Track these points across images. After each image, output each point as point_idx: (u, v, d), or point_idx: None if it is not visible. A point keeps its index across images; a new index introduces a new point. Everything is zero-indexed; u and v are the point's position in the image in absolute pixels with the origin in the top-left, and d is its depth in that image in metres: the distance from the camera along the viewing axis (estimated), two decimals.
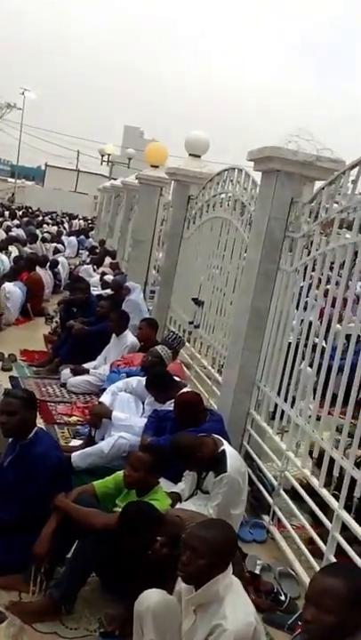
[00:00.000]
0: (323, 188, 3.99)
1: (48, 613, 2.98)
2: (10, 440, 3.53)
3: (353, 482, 3.13)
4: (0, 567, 3.16)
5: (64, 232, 21.63)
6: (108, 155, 26.07)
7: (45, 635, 2.89)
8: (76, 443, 4.93)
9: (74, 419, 5.55)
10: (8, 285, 8.94)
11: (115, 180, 21.15)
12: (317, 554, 3.41)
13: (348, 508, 3.19)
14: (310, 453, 3.77)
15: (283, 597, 3.32)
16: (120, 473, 3.46)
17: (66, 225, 26.60)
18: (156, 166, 10.24)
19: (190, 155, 8.15)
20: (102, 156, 26.02)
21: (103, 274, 11.51)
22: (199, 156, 8.15)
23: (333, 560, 3.17)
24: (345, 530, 3.18)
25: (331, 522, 3.30)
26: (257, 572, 3.46)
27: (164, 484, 3.62)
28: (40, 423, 4.48)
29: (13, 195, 40.49)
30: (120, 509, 3.16)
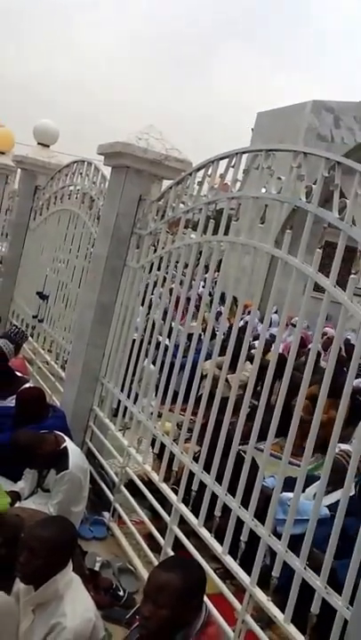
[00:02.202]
0: (170, 188, 4.08)
1: None
2: None
3: (191, 475, 3.24)
4: None
5: None
6: None
7: None
8: None
9: None
10: None
11: None
12: (156, 548, 3.49)
13: (185, 501, 3.30)
14: (152, 447, 3.84)
15: (121, 593, 3.37)
16: None
17: None
18: (2, 152, 9.88)
19: (39, 143, 7.96)
20: None
21: None
22: (48, 146, 7.98)
23: (172, 554, 3.27)
24: (183, 523, 3.29)
25: (169, 515, 3.39)
26: (96, 568, 3.48)
27: (3, 483, 3.53)
28: None
29: None
30: None
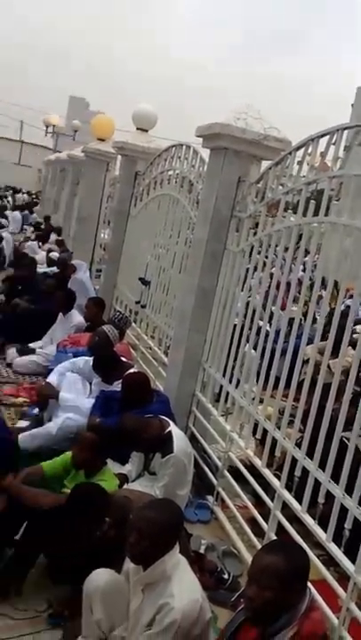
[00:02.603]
0: (270, 169, 4.01)
1: None
2: None
3: (294, 462, 3.22)
4: None
5: (8, 206, 21.09)
6: (53, 126, 25.46)
7: None
8: (22, 424, 4.87)
9: (20, 400, 5.48)
10: None
11: (60, 152, 20.69)
12: (260, 533, 3.51)
13: (288, 487, 3.29)
14: (254, 434, 3.85)
15: (226, 576, 3.41)
16: (68, 454, 3.48)
17: (10, 199, 25.91)
18: (103, 139, 10.06)
19: (138, 129, 8.05)
20: (47, 127, 25.38)
21: (49, 251, 11.31)
22: (147, 131, 8.05)
23: (274, 538, 3.27)
24: (286, 508, 3.28)
25: (272, 501, 3.39)
26: (201, 551, 3.54)
27: (112, 466, 3.65)
28: None
29: None
30: (69, 490, 3.18)
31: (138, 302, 6.89)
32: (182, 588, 2.43)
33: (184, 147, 5.85)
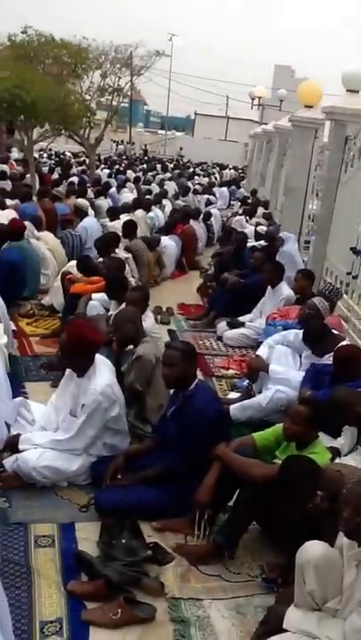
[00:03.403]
0: None
1: (212, 557, 3.13)
2: (171, 391, 3.70)
3: None
4: (166, 511, 3.37)
5: (215, 183, 21.64)
6: (259, 98, 25.40)
7: (210, 577, 3.05)
8: (233, 395, 5.03)
9: (231, 372, 5.66)
10: (163, 239, 9.19)
11: (266, 124, 20.62)
12: None
13: None
14: None
15: None
16: (280, 426, 3.51)
17: (217, 176, 26.56)
18: (310, 106, 9.80)
19: (348, 91, 7.68)
20: (252, 99, 25.42)
21: (257, 224, 11.38)
22: (357, 92, 7.65)
23: None
24: None
25: None
26: None
27: (324, 439, 3.60)
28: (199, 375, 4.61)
29: (146, 146, 40.90)
30: (279, 461, 3.21)
31: (349, 273, 6.65)
32: None
33: None
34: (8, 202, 9.50)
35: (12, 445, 3.71)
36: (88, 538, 3.23)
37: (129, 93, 24.57)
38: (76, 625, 2.66)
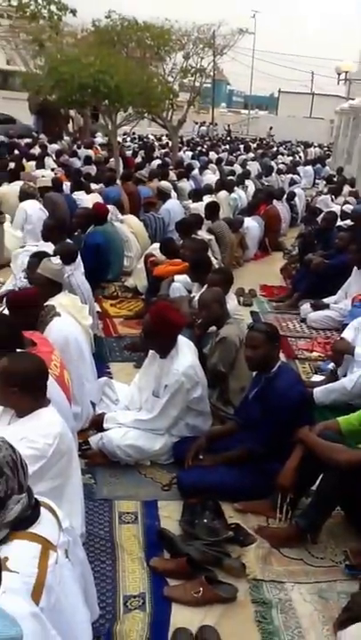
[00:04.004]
0: None
1: (294, 541, 3.11)
2: (254, 374, 3.67)
3: None
4: (248, 493, 3.37)
5: (300, 162, 21.15)
6: (346, 72, 24.53)
7: (292, 560, 3.02)
8: (317, 378, 4.94)
9: (315, 354, 5.55)
10: (246, 220, 9.09)
11: (353, 100, 19.90)
12: None
13: None
14: None
15: None
16: None
17: (301, 154, 25.95)
18: None
19: None
20: (338, 74, 24.58)
21: (344, 203, 11.03)
22: None
23: None
24: None
25: None
26: None
27: None
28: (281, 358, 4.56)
29: (229, 126, 40.51)
30: None
31: None
32: None
33: None
34: (93, 186, 9.72)
35: (97, 424, 3.85)
36: (170, 516, 3.28)
37: (212, 74, 24.34)
38: (159, 601, 2.72)
